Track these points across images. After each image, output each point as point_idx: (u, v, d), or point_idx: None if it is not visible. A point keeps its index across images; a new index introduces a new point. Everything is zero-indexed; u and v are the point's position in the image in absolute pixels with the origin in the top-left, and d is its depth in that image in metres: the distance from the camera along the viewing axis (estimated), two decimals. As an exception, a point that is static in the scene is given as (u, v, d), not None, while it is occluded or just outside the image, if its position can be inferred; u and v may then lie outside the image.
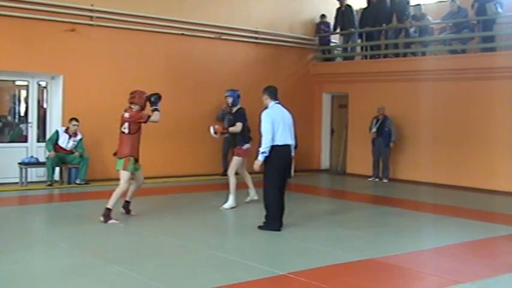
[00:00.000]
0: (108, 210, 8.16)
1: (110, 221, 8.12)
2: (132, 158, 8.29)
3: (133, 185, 8.64)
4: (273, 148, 7.77)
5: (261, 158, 7.76)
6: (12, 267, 6.04)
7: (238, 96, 9.93)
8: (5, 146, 11.98)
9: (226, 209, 9.48)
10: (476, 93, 13.05)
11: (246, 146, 9.75)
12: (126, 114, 8.37)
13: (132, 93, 8.50)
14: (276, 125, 7.79)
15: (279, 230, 7.86)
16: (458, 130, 13.29)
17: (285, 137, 7.89)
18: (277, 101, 8.13)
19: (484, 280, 6.03)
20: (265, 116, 7.85)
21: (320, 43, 16.51)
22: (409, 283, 6.07)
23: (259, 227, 7.96)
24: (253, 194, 10.06)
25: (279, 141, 7.80)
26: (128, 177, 8.28)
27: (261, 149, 7.74)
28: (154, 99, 8.50)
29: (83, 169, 11.66)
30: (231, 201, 9.60)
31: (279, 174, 7.89)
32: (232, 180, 9.60)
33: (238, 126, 9.58)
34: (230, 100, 9.87)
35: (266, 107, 8.11)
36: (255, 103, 14.85)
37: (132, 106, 8.42)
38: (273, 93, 8.17)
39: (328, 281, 5.75)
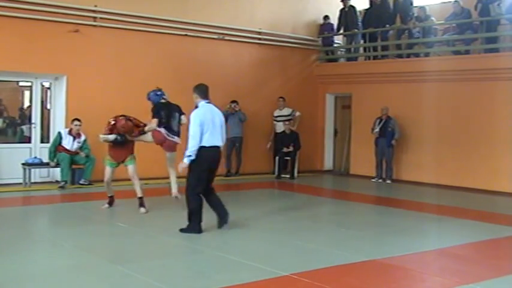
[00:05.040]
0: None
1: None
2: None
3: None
4: (200, 149, 7.54)
5: (186, 160, 7.51)
6: (16, 267, 6.05)
7: (156, 95, 9.27)
8: (9, 146, 12.02)
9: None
10: (479, 94, 13.03)
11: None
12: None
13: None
14: (205, 127, 7.54)
15: (199, 233, 7.66)
16: (461, 131, 13.27)
17: (214, 138, 7.65)
18: (207, 100, 7.79)
19: (488, 281, 6.02)
20: (194, 117, 7.57)
21: (323, 44, 16.50)
22: (413, 284, 6.06)
23: (181, 230, 7.73)
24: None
25: (206, 143, 7.56)
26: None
27: (188, 152, 7.50)
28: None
29: (89, 170, 11.67)
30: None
31: (203, 175, 7.67)
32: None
33: (153, 122, 9.08)
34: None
35: (196, 106, 7.79)
36: (259, 104, 15.02)
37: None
38: (203, 91, 7.80)
39: (331, 282, 5.75)
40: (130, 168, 9.17)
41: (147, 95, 9.37)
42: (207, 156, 7.61)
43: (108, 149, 9.33)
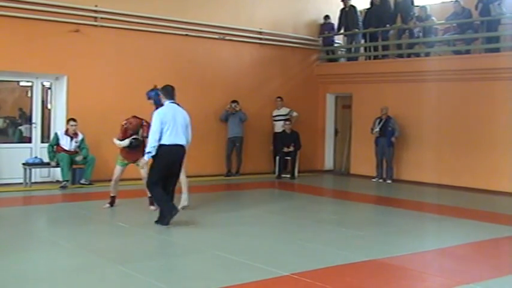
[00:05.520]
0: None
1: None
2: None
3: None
4: (161, 147, 7.88)
5: (146, 157, 8.01)
6: (17, 267, 6.06)
7: (157, 95, 8.87)
8: (10, 146, 12.02)
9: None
10: (480, 94, 13.02)
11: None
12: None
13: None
14: (165, 125, 7.86)
15: (174, 209, 7.97)
16: (462, 131, 13.27)
17: (176, 137, 7.96)
18: (172, 101, 8.14)
19: (488, 281, 6.01)
20: (155, 116, 7.95)
21: (324, 44, 16.50)
22: (413, 284, 6.06)
23: (156, 222, 8.08)
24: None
25: (167, 141, 7.89)
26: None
27: (147, 149, 7.95)
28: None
29: (89, 169, 11.66)
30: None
31: (163, 172, 8.03)
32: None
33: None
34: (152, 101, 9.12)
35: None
36: (259, 103, 15.03)
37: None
38: (168, 92, 8.19)
39: (331, 282, 5.75)
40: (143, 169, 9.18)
41: (147, 95, 9.30)
42: (166, 154, 7.95)
43: (120, 150, 9.27)
